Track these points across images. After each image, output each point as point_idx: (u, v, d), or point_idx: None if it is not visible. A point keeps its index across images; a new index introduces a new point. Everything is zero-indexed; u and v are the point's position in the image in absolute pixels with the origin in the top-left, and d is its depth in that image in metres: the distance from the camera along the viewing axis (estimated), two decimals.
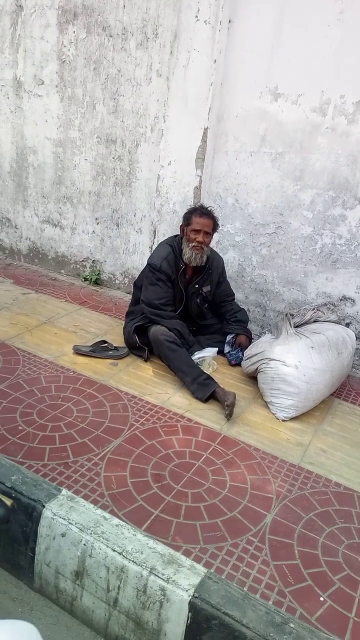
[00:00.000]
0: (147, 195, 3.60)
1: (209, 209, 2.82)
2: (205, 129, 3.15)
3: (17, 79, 3.93)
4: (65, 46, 3.65)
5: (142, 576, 1.50)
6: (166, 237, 3.09)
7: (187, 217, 2.78)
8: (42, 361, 2.69)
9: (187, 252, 2.74)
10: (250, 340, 2.99)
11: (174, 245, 2.83)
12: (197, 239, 2.72)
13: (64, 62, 3.69)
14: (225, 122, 3.20)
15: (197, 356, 2.74)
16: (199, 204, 2.99)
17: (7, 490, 1.74)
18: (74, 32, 3.57)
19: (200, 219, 2.73)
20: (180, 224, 2.86)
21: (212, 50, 3.02)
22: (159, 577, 1.48)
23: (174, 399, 2.51)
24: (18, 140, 4.07)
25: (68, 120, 3.80)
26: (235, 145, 3.20)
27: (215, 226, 2.80)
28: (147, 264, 2.87)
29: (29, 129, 3.99)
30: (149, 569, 1.50)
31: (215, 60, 3.04)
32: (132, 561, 1.52)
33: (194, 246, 2.73)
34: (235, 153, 3.21)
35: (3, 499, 0.88)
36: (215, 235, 3.37)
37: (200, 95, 3.13)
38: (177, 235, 2.91)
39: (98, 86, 3.60)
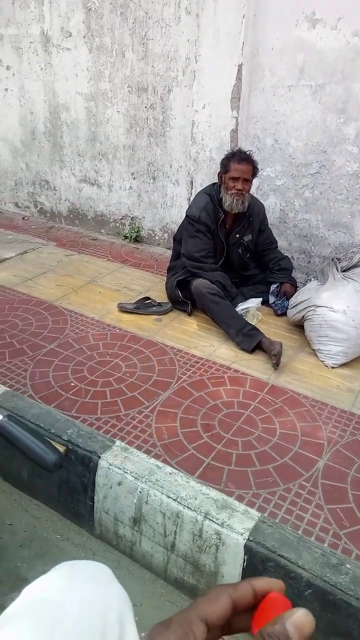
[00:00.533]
0: (182, 144, 3.47)
1: (247, 153, 2.68)
2: (240, 66, 2.97)
3: (45, 33, 3.82)
4: None
5: (197, 521, 1.54)
6: (204, 187, 3.00)
7: (225, 164, 2.66)
8: (88, 320, 2.73)
9: (227, 200, 2.64)
10: (295, 288, 2.90)
11: (212, 194, 2.73)
12: (236, 187, 2.61)
13: (90, 10, 3.54)
14: (260, 57, 2.99)
15: (240, 307, 2.69)
16: (236, 148, 2.85)
17: (64, 444, 1.81)
18: None
19: (239, 165, 2.61)
20: (218, 171, 2.75)
21: None
22: (213, 521, 1.52)
23: (220, 351, 2.50)
24: (50, 98, 4.00)
25: (98, 72, 3.68)
26: (272, 81, 3.00)
27: (254, 171, 2.67)
28: (186, 215, 2.80)
29: (60, 85, 3.91)
30: (203, 514, 1.54)
31: None
32: (187, 507, 1.56)
33: (233, 194, 2.62)
34: (272, 89, 3.01)
35: (56, 446, 0.90)
36: (255, 181, 3.22)
37: (232, 30, 2.93)
38: (215, 183, 2.80)
39: (126, 32, 3.45)
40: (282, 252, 3.22)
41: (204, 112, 3.18)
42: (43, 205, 4.43)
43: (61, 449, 0.92)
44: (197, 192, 2.94)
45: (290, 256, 3.27)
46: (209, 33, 3.01)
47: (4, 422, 0.95)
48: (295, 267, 3.29)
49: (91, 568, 0.76)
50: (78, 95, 3.84)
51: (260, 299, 2.81)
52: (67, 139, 4.05)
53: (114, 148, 3.83)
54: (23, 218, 4.48)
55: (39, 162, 4.30)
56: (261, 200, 3.04)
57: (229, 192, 2.63)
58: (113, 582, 0.74)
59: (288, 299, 2.79)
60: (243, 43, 2.94)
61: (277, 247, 3.05)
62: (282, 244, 3.28)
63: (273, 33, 2.91)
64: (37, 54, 3.93)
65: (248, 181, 2.64)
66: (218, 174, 2.74)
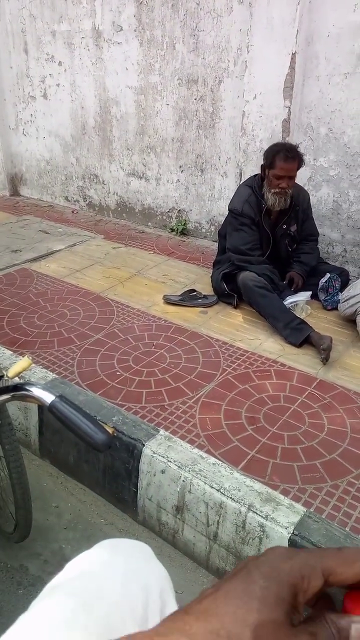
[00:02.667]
0: (231, 135, 3.44)
1: (295, 148, 2.57)
2: (294, 54, 2.90)
3: (96, 28, 3.87)
4: None
5: (240, 512, 1.52)
6: (245, 180, 2.94)
7: (270, 160, 2.56)
8: (134, 311, 2.75)
9: (270, 198, 2.59)
10: (303, 279, 2.78)
11: (253, 186, 2.68)
12: (280, 185, 2.54)
13: (141, 3, 3.56)
14: (315, 44, 2.91)
15: (289, 301, 2.63)
16: (282, 142, 2.75)
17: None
18: None
19: (286, 163, 2.51)
20: (262, 163, 2.68)
21: None
22: (257, 514, 1.49)
23: (266, 344, 2.46)
24: (100, 93, 4.06)
25: (148, 65, 3.70)
26: (327, 69, 2.91)
27: (300, 165, 2.59)
28: (229, 210, 2.77)
29: (110, 79, 3.95)
30: (247, 506, 1.51)
31: None
32: (230, 498, 1.55)
33: (277, 192, 2.56)
34: (327, 77, 2.92)
35: (105, 427, 0.91)
36: (306, 172, 3.16)
37: (286, 18, 2.86)
38: (257, 174, 2.74)
39: (177, 24, 3.44)
40: (334, 245, 3.13)
41: (255, 102, 3.13)
42: (92, 198, 4.51)
43: (110, 430, 0.93)
44: (239, 184, 2.90)
45: (343, 248, 3.17)
46: (262, 22, 2.96)
47: (57, 402, 0.97)
48: (348, 260, 3.19)
49: (133, 545, 0.76)
50: (128, 89, 3.88)
51: (310, 292, 2.74)
52: (116, 133, 4.10)
53: (162, 141, 3.84)
54: (72, 211, 4.58)
55: (88, 157, 4.37)
56: (313, 192, 2.96)
57: (272, 191, 2.57)
58: (154, 560, 0.74)
59: (293, 285, 2.72)
60: (297, 31, 2.86)
61: (316, 240, 2.93)
62: (334, 236, 3.19)
63: (329, 19, 2.82)
64: (89, 49, 3.99)
65: (292, 178, 2.58)
66: (261, 166, 2.67)
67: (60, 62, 4.21)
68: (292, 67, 2.93)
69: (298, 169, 2.60)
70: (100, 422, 0.95)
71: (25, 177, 4.97)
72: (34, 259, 3.44)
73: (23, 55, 4.44)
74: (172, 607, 0.69)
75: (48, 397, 0.99)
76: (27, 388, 1.04)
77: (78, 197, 4.61)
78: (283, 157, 2.52)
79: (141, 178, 4.09)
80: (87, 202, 4.56)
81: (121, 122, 4.03)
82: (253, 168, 3.26)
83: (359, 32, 2.74)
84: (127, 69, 3.82)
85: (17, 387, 1.05)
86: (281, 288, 2.71)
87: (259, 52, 3.03)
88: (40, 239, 3.80)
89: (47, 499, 1.89)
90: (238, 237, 2.72)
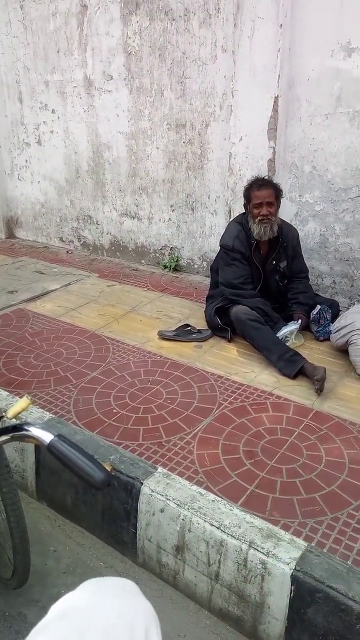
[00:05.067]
0: (219, 175, 3.56)
1: (266, 178, 2.74)
2: (276, 97, 3.04)
3: (88, 77, 4.05)
4: (129, 37, 3.69)
5: (241, 550, 1.50)
6: (235, 217, 3.03)
7: (247, 195, 2.72)
8: (130, 347, 2.77)
9: (255, 229, 2.68)
10: (308, 319, 2.81)
11: (243, 222, 2.77)
12: (261, 213, 2.64)
13: (129, 54, 3.74)
14: (296, 88, 3.06)
15: (283, 331, 2.66)
16: (255, 177, 2.85)
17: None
18: (137, 21, 3.60)
19: (259, 191, 2.66)
20: (243, 202, 2.79)
21: (277, 15, 2.90)
22: (258, 550, 1.47)
23: (261, 377, 2.47)
24: (93, 139, 4.21)
25: (138, 111, 3.85)
26: (308, 110, 3.05)
27: (277, 193, 2.70)
28: (220, 245, 2.85)
29: (102, 125, 4.10)
30: (248, 543, 1.50)
31: (282, 25, 2.91)
32: (231, 535, 1.53)
33: (260, 220, 2.65)
34: (309, 118, 3.06)
35: (104, 465, 0.92)
36: (293, 208, 3.25)
37: (268, 64, 3.02)
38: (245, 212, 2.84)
39: (164, 72, 3.61)
40: (323, 277, 3.19)
41: (241, 144, 3.26)
42: (86, 239, 4.60)
43: (108, 467, 0.94)
44: (229, 222, 2.99)
45: (332, 280, 3.23)
46: (245, 68, 3.12)
47: (55, 441, 0.98)
48: (337, 291, 3.25)
49: (117, 583, 0.76)
50: (119, 134, 4.02)
51: (300, 320, 2.76)
52: (109, 176, 4.22)
53: (153, 182, 3.96)
54: (67, 252, 4.66)
55: (82, 199, 4.49)
56: (300, 226, 3.04)
57: (256, 220, 2.67)
58: (139, 597, 0.74)
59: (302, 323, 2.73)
60: (279, 75, 3.01)
61: (307, 276, 3.00)
62: (323, 268, 3.26)
63: (309, 64, 2.97)
64: (81, 97, 4.16)
65: (272, 204, 2.67)
66: (244, 204, 2.79)
67: (53, 109, 4.38)
68: (275, 110, 3.07)
69: (277, 198, 2.70)
70: (99, 461, 0.96)
71: (21, 219, 5.08)
72: (30, 299, 3.48)
73: (18, 104, 4.62)
74: None
75: (47, 437, 1.00)
76: (26, 428, 1.04)
77: (72, 237, 4.71)
78: (256, 187, 2.68)
79: (134, 218, 4.19)
80: (81, 242, 4.65)
81: (113, 165, 4.16)
82: (242, 206, 3.35)
83: (338, 75, 2.89)
84: (118, 115, 3.98)
85: (16, 428, 1.06)
86: (275, 319, 2.75)
87: (243, 97, 3.17)
88: (36, 279, 3.85)
89: (45, 543, 1.86)
90: (230, 271, 2.78)
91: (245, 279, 2.77)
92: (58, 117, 4.37)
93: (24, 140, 4.71)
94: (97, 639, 0.64)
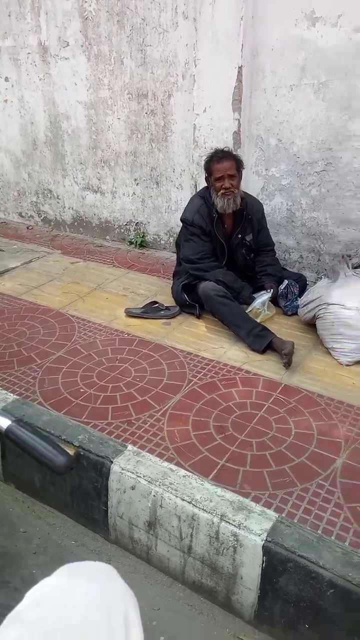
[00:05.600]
0: (184, 148, 3.48)
1: (226, 149, 2.69)
2: (240, 68, 2.97)
3: (42, 44, 3.85)
4: (85, 1, 3.52)
5: (213, 523, 1.51)
6: (198, 190, 2.98)
7: (207, 168, 2.67)
8: (96, 326, 2.72)
9: (219, 202, 2.64)
10: (277, 292, 2.82)
11: (205, 196, 2.73)
12: (223, 186, 2.60)
13: (86, 19, 3.57)
14: (260, 57, 3.00)
15: (255, 302, 2.65)
16: (214, 149, 2.80)
17: (75, 449, 1.79)
18: None
19: (219, 164, 2.61)
20: (205, 176, 2.74)
21: None
22: (230, 523, 1.49)
23: (230, 352, 2.47)
24: (50, 108, 4.03)
25: (97, 80, 3.70)
26: (273, 81, 3.00)
27: (239, 165, 2.66)
28: (181, 220, 2.80)
29: (60, 94, 3.93)
30: (219, 516, 1.51)
31: None
32: (202, 509, 1.53)
33: (222, 194, 2.61)
34: (274, 89, 3.01)
35: (66, 449, 0.88)
36: (259, 182, 3.23)
37: (231, 32, 2.93)
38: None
39: (124, 39, 3.47)
40: (290, 252, 3.19)
41: (205, 116, 3.18)
42: (47, 214, 4.44)
43: (71, 451, 0.90)
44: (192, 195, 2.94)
45: (299, 255, 3.25)
46: (207, 36, 3.02)
47: (13, 426, 0.93)
48: (305, 265, 3.27)
49: (94, 568, 0.75)
50: (78, 104, 3.86)
51: (272, 290, 2.73)
52: (68, 147, 4.06)
53: (115, 155, 3.84)
54: (27, 227, 4.49)
55: (41, 172, 4.32)
56: (267, 201, 3.02)
57: (218, 194, 2.62)
58: (116, 580, 0.73)
59: (278, 296, 2.75)
60: (242, 45, 2.94)
61: (272, 249, 3.00)
62: (290, 243, 3.26)
63: (273, 33, 2.91)
64: (36, 65, 3.95)
65: (234, 177, 2.62)
66: (205, 178, 2.74)
67: (7, 77, 4.15)
68: (239, 80, 3.00)
69: (238, 169, 2.65)
70: (64, 444, 0.92)
71: None
72: None
73: None
74: (136, 626, 0.68)
75: (4, 423, 0.95)
76: None
77: (32, 212, 4.54)
78: (216, 158, 2.63)
79: (96, 192, 4.07)
80: (42, 218, 4.49)
81: (73, 137, 4.00)
82: None
83: (302, 45, 2.84)
84: (76, 84, 3.81)
85: None
86: (238, 289, 2.73)
87: (206, 66, 3.09)
88: None
89: (15, 525, 1.82)
90: (189, 247, 2.75)
91: (204, 255, 2.73)
92: (12, 86, 4.15)
93: None
94: (74, 626, 0.63)
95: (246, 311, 2.62)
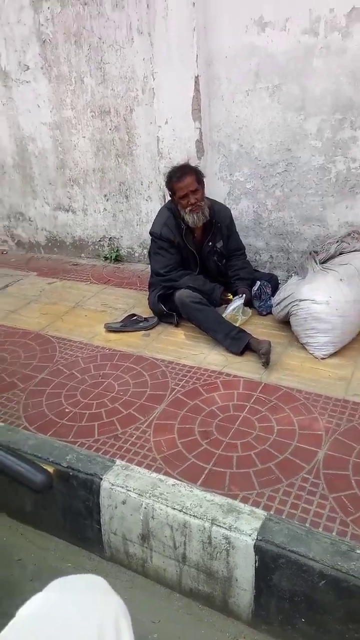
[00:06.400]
0: (150, 160, 3.52)
1: (185, 164, 2.70)
2: (197, 77, 3.02)
3: (3, 69, 3.88)
4: (42, 25, 3.56)
5: (204, 528, 1.52)
6: (165, 202, 3.01)
7: (169, 187, 2.68)
8: (77, 344, 2.72)
9: (189, 219, 2.65)
10: (251, 292, 2.87)
11: (172, 207, 2.75)
12: (189, 202, 2.62)
13: (44, 41, 3.61)
14: (215, 66, 3.05)
15: (229, 309, 2.69)
16: (173, 167, 2.81)
17: (64, 470, 1.79)
18: (49, 7, 3.47)
19: (180, 182, 2.62)
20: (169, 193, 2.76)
21: None
22: (221, 526, 1.50)
23: (210, 357, 2.50)
24: (15, 132, 4.05)
25: (59, 100, 3.73)
26: (229, 88, 3.05)
27: (199, 177, 2.67)
28: (149, 233, 2.83)
29: (24, 117, 3.95)
30: (210, 521, 1.52)
31: (194, 3, 2.88)
32: (193, 515, 1.55)
33: (190, 210, 2.63)
34: (231, 95, 3.07)
35: (44, 466, 0.90)
36: (225, 187, 3.28)
37: (184, 44, 2.99)
38: None
39: (82, 59, 3.51)
40: (261, 253, 3.23)
41: (167, 127, 3.23)
42: (20, 237, 4.45)
43: (50, 469, 0.91)
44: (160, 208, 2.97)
45: (269, 255, 3.29)
46: (162, 49, 3.07)
47: None
48: (275, 265, 3.32)
49: (83, 581, 0.75)
50: (43, 125, 3.89)
51: (244, 295, 2.78)
52: (36, 169, 4.09)
53: (84, 173, 3.87)
54: (2, 252, 4.49)
55: (11, 195, 4.33)
56: (234, 205, 3.07)
57: (186, 210, 2.64)
58: (107, 593, 0.73)
59: (247, 298, 2.78)
60: (197, 55, 2.99)
61: (243, 253, 3.04)
62: (259, 244, 3.31)
63: (225, 41, 2.97)
64: None
65: (197, 191, 2.63)
66: (170, 196, 2.76)
67: None
68: (196, 90, 3.05)
69: (199, 181, 2.67)
70: (38, 462, 0.94)
71: None
72: None
73: None
74: (128, 637, 0.68)
75: None
76: None
77: (5, 237, 4.54)
78: (176, 178, 2.63)
79: (68, 211, 4.09)
80: (15, 242, 4.50)
81: (40, 158, 4.03)
82: None
83: (254, 51, 2.91)
84: (39, 106, 3.84)
85: None
86: (209, 291, 2.74)
87: (164, 79, 3.13)
88: None
89: (8, 554, 1.81)
90: (156, 260, 2.80)
91: (171, 268, 2.76)
92: None
93: None
94: None
95: (223, 315, 2.66)
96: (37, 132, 3.94)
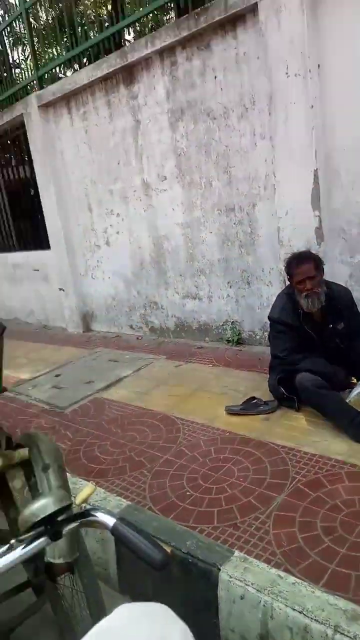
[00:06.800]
0: (271, 248, 3.69)
1: (306, 252, 2.77)
2: (316, 171, 3.19)
3: (145, 181, 4.48)
4: (178, 141, 4.10)
5: (327, 635, 1.40)
6: (283, 288, 3.07)
7: (288, 271, 2.75)
8: (199, 426, 2.80)
9: (304, 303, 2.68)
10: None
11: (290, 292, 2.80)
12: (305, 288, 2.66)
13: (179, 155, 4.13)
14: (333, 159, 3.20)
15: (354, 393, 2.57)
16: (294, 253, 2.88)
17: (184, 556, 1.79)
18: (184, 126, 4.01)
19: (298, 268, 2.68)
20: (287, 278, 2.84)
21: (307, 97, 3.12)
22: (345, 635, 1.37)
23: (334, 445, 2.38)
24: (153, 233, 4.57)
25: (190, 203, 4.17)
26: (348, 177, 3.15)
27: (318, 264, 2.70)
28: (268, 318, 2.89)
29: (160, 220, 4.46)
30: (333, 627, 1.40)
31: (312, 106, 3.12)
32: (315, 619, 1.44)
33: (306, 295, 2.66)
34: (350, 184, 3.15)
35: (162, 546, 0.96)
36: (346, 269, 3.27)
37: (303, 143, 3.21)
38: None
39: (211, 166, 3.93)
40: None
41: (287, 218, 3.40)
42: (153, 323, 4.84)
43: (168, 549, 0.97)
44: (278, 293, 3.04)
45: None
46: (283, 150, 3.32)
47: (118, 524, 1.03)
48: None
49: (150, 607, 0.76)
50: (176, 225, 4.34)
51: None
52: (169, 263, 4.51)
53: (210, 264, 4.17)
54: (137, 338, 4.91)
55: (147, 287, 4.80)
56: (356, 287, 3.02)
57: (302, 295, 2.68)
58: (174, 618, 0.73)
59: None
60: (315, 151, 3.18)
61: None
62: None
63: (343, 135, 3.12)
64: (140, 200, 4.58)
65: (314, 277, 2.66)
66: (288, 279, 2.83)
67: (118, 213, 4.85)
68: (315, 182, 3.20)
69: (317, 267, 2.70)
70: (159, 542, 0.98)
71: (95, 313, 5.48)
72: (105, 388, 3.66)
73: (88, 213, 5.18)
74: None
75: (110, 521, 1.04)
76: (92, 513, 1.08)
77: (141, 324, 4.97)
78: (295, 264, 2.70)
79: (195, 298, 4.39)
80: (149, 328, 4.90)
81: (172, 254, 4.45)
82: None
83: None
84: (173, 209, 4.32)
85: (83, 514, 1.11)
86: (330, 375, 2.66)
87: (285, 175, 3.35)
88: (110, 368, 4.07)
89: None
90: (275, 345, 2.83)
91: (290, 351, 2.76)
92: (122, 219, 4.82)
93: (94, 243, 5.22)
94: None
95: (346, 400, 2.54)
96: (171, 231, 4.39)
